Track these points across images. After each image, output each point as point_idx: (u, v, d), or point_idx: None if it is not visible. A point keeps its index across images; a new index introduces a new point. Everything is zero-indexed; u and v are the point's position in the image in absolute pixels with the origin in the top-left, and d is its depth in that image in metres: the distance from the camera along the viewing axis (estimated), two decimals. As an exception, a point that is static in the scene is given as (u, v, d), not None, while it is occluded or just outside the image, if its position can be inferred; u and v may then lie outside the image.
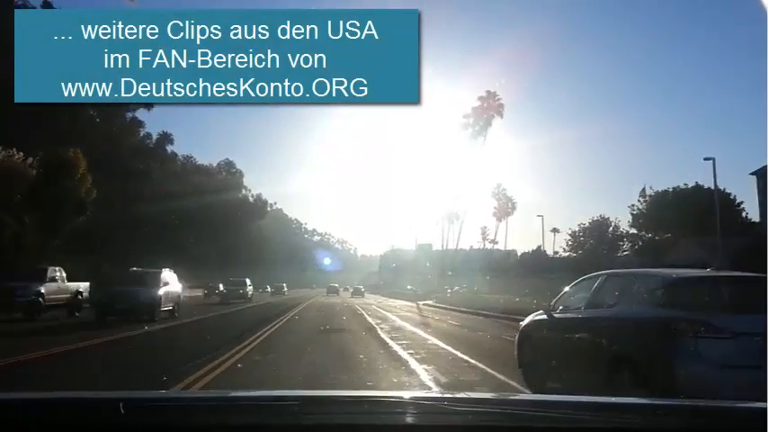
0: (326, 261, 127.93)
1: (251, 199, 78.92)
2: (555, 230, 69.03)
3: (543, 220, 61.03)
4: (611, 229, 52.33)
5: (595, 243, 50.95)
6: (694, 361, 5.49)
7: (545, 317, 8.23)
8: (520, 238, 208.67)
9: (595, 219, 52.57)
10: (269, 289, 62.74)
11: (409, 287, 70.27)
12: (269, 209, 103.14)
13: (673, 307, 5.98)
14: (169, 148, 64.65)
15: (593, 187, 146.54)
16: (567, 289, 8.27)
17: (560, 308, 8.02)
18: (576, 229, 54.40)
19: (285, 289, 65.00)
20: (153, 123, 63.20)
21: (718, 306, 6.12)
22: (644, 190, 48.48)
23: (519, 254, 73.83)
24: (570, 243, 52.29)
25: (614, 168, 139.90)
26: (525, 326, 8.87)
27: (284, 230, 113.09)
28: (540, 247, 60.37)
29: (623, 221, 61.08)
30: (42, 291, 19.96)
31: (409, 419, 1.75)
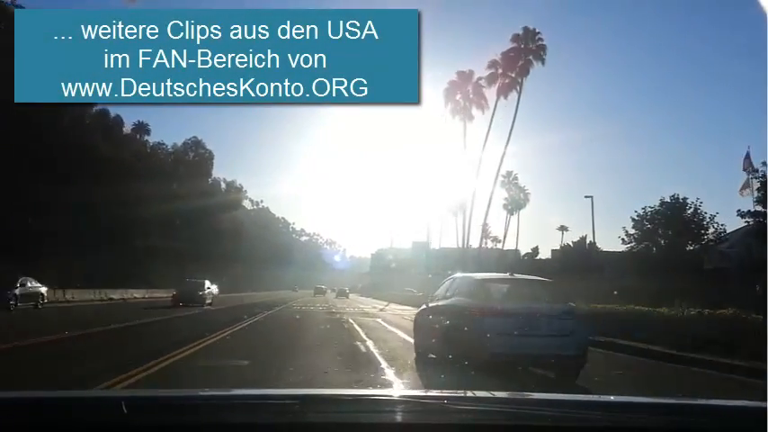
0: (336, 258, 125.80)
1: (223, 185, 68.65)
2: (563, 228, 62.02)
3: (592, 202, 39.98)
4: (690, 211, 34.48)
5: (673, 232, 34.47)
6: (482, 331, 8.61)
7: (425, 306, 11.62)
8: (526, 237, 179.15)
9: (667, 201, 34.89)
10: (212, 293, 35.38)
11: (408, 289, 63.16)
12: (255, 206, 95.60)
13: (475, 298, 9.46)
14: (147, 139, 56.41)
15: (614, 186, 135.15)
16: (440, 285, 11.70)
17: (434, 299, 11.27)
18: (635, 213, 36.29)
19: (209, 290, 34.66)
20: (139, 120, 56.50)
21: (501, 297, 9.65)
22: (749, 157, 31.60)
23: (522, 253, 66.52)
24: (632, 234, 35.82)
25: (637, 166, 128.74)
26: (417, 313, 12.39)
27: (269, 229, 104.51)
28: (584, 238, 46.33)
29: (707, 203, 43.66)
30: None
31: (410, 418, 1.76)
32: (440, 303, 10.59)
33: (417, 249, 76.13)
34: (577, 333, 8.92)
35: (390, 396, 1.94)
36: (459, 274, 11.46)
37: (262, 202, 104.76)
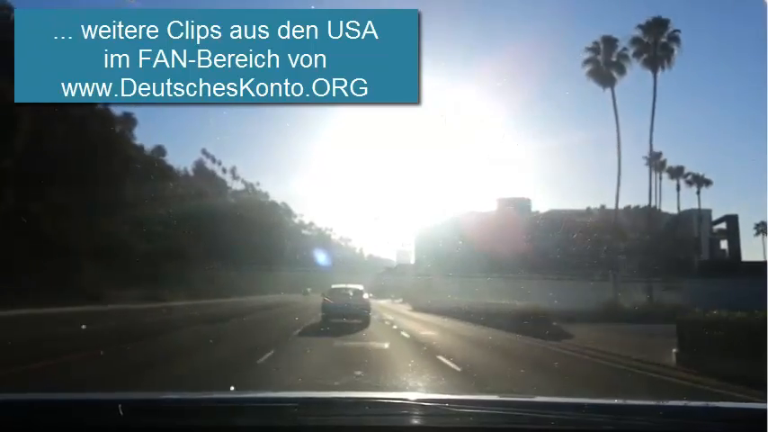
0: (356, 254, 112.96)
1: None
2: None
3: None
4: None
5: None
6: (327, 310, 24.36)
7: (323, 300, 25.08)
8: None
9: None
10: None
11: None
12: (250, 190, 75.76)
13: (326, 296, 25.29)
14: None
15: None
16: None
17: (327, 297, 25.22)
18: None
19: None
20: (144, 124, 51.36)
21: (337, 296, 25.08)
22: None
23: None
24: None
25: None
26: (322, 303, 25.13)
27: (263, 219, 73.37)
28: None
29: None
30: None
31: (410, 421, 1.75)
32: (322, 297, 25.19)
33: (507, 210, 43.80)
34: (366, 310, 24.24)
35: (391, 399, 1.92)
36: (333, 285, 25.96)
37: (258, 184, 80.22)
